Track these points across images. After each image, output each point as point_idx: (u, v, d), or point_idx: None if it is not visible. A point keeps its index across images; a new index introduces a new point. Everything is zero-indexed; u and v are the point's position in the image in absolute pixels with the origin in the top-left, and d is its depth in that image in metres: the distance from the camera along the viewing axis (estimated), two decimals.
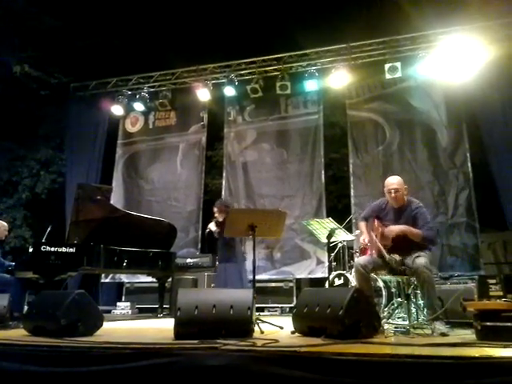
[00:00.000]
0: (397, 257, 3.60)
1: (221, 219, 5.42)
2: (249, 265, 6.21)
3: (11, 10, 8.69)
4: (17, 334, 3.47)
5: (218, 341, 2.67)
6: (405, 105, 7.65)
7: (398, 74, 7.38)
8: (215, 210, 5.55)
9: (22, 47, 9.04)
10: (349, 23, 8.87)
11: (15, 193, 9.40)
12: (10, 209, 9.22)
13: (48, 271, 4.90)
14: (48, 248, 4.93)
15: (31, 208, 9.41)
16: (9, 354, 2.69)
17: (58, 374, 2.53)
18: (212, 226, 5.47)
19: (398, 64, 7.35)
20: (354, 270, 3.83)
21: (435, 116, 7.44)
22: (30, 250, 5.12)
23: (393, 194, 3.85)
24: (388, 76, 7.43)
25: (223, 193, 8.45)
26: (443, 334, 3.19)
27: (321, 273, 7.42)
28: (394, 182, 3.91)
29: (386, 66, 7.39)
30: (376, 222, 3.86)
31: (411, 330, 3.37)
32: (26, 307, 5.14)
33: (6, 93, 8.82)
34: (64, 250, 4.96)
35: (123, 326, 4.77)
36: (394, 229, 3.72)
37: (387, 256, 3.60)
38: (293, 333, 3.30)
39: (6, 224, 6.16)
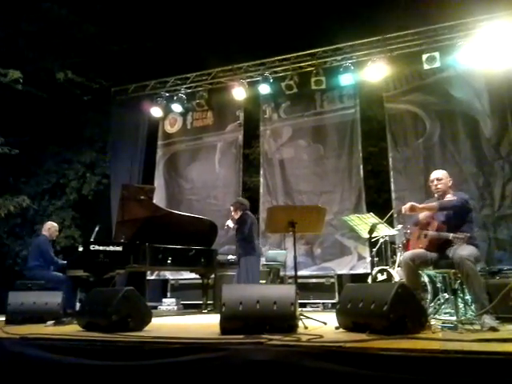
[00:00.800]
0: (461, 235, 3.49)
1: (236, 217, 5.87)
2: (290, 260, 6.33)
3: (53, 19, 9.05)
4: (71, 329, 3.62)
5: (263, 336, 2.71)
6: (444, 95, 7.44)
7: (437, 64, 7.16)
8: (231, 208, 6.04)
9: (64, 55, 9.41)
10: (383, 15, 8.70)
11: (63, 195, 9.80)
12: (59, 210, 9.62)
13: (97, 269, 5.11)
14: (97, 247, 5.15)
15: (79, 209, 9.78)
16: (65, 348, 2.83)
17: (112, 368, 2.64)
18: (230, 223, 5.91)
19: (437, 54, 7.13)
20: (402, 264, 3.78)
21: (477, 105, 7.19)
22: (80, 249, 5.36)
23: (435, 182, 3.92)
24: (426, 66, 7.23)
25: (261, 190, 8.51)
26: (493, 329, 3.10)
27: (362, 268, 7.34)
28: (437, 172, 3.99)
29: (424, 57, 7.19)
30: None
31: (459, 325, 3.30)
32: (78, 304, 5.40)
33: (52, 99, 9.20)
34: (112, 248, 5.16)
35: (170, 322, 4.90)
36: (408, 204, 3.76)
37: (451, 234, 3.53)
38: (337, 328, 3.30)
39: (56, 225, 6.46)
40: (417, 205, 3.75)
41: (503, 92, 6.97)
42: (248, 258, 5.71)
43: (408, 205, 3.76)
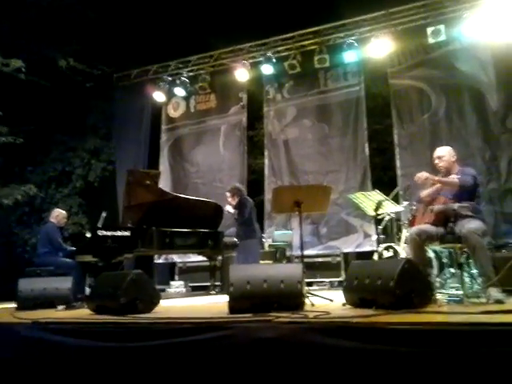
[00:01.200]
0: (466, 203, 3.50)
1: (234, 202, 6.02)
2: (296, 240, 6.37)
3: (54, 6, 8.97)
4: (82, 313, 3.71)
5: (271, 314, 2.74)
6: (450, 69, 7.32)
7: (442, 38, 7.01)
8: (228, 194, 6.14)
9: (65, 42, 9.35)
10: None
11: (70, 182, 9.86)
12: (65, 197, 9.70)
13: (106, 254, 5.16)
14: (104, 232, 5.19)
15: (85, 196, 9.84)
16: (77, 331, 2.89)
17: (123, 349, 2.69)
18: (230, 209, 6.02)
19: (442, 27, 6.98)
20: (408, 239, 3.79)
21: (483, 78, 7.07)
22: (88, 235, 5.42)
23: (436, 161, 3.89)
24: (431, 40, 7.10)
25: (266, 172, 8.50)
26: (499, 302, 3.12)
27: (368, 246, 7.35)
28: (438, 150, 3.94)
29: (429, 30, 7.04)
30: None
31: (465, 298, 3.32)
32: (87, 289, 5.48)
33: (55, 88, 9.19)
34: (119, 233, 5.20)
35: (178, 304, 4.98)
36: (424, 174, 3.66)
37: (456, 204, 3.52)
38: (344, 305, 3.34)
39: (64, 212, 6.51)
40: (432, 176, 3.68)
41: (509, 64, 6.81)
42: (249, 241, 5.86)
43: (423, 175, 3.69)
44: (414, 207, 4.82)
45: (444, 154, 3.86)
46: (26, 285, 4.51)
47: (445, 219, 3.66)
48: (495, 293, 3.22)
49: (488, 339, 2.00)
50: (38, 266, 5.75)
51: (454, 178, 3.66)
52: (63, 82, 9.38)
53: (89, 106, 10.23)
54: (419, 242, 3.60)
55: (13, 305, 4.61)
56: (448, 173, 3.82)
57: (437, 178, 3.72)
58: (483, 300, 3.27)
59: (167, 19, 10.04)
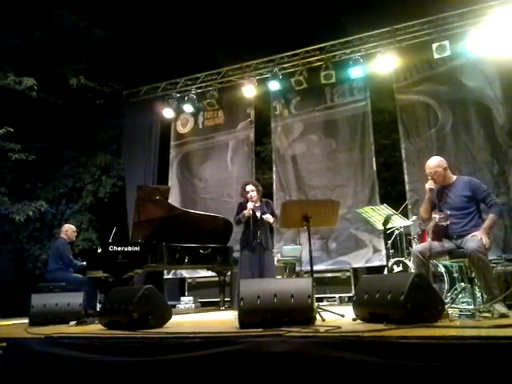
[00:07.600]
0: (442, 214, 3.51)
1: (255, 200, 5.09)
2: (305, 255, 6.34)
3: (64, 26, 9.19)
4: (94, 328, 3.72)
5: (282, 328, 2.75)
6: (456, 84, 7.37)
7: (447, 53, 7.11)
8: (252, 188, 5.17)
9: (76, 60, 9.55)
10: (391, 5, 8.64)
11: (80, 198, 9.95)
12: (76, 213, 9.78)
13: (116, 269, 5.20)
14: (115, 248, 5.23)
15: (95, 212, 9.91)
16: (89, 345, 2.90)
17: (135, 363, 2.71)
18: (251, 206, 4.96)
19: (447, 42, 7.08)
20: (411, 257, 3.77)
21: (489, 93, 7.11)
22: (99, 250, 5.45)
23: (429, 176, 3.85)
24: (436, 56, 7.19)
25: (274, 187, 8.53)
26: (503, 315, 3.11)
27: (378, 261, 7.33)
28: (429, 164, 3.86)
29: (434, 46, 7.14)
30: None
31: (477, 313, 3.30)
32: (98, 305, 5.50)
33: (66, 105, 9.35)
34: (130, 248, 5.24)
35: (189, 319, 4.98)
36: (478, 234, 3.52)
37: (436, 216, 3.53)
38: (354, 320, 3.33)
39: (73, 227, 6.54)
40: (485, 238, 3.45)
41: None
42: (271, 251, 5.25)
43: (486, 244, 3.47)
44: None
45: (433, 169, 3.81)
46: (39, 300, 4.53)
47: (441, 234, 3.65)
48: (499, 307, 3.21)
49: (500, 353, 1.99)
50: (50, 282, 5.79)
51: (491, 216, 3.56)
52: (74, 100, 9.54)
53: (99, 122, 10.39)
54: (422, 260, 3.57)
55: (24, 320, 4.64)
56: (445, 182, 3.82)
57: (486, 233, 3.50)
58: (488, 315, 3.25)
59: (175, 37, 10.23)
